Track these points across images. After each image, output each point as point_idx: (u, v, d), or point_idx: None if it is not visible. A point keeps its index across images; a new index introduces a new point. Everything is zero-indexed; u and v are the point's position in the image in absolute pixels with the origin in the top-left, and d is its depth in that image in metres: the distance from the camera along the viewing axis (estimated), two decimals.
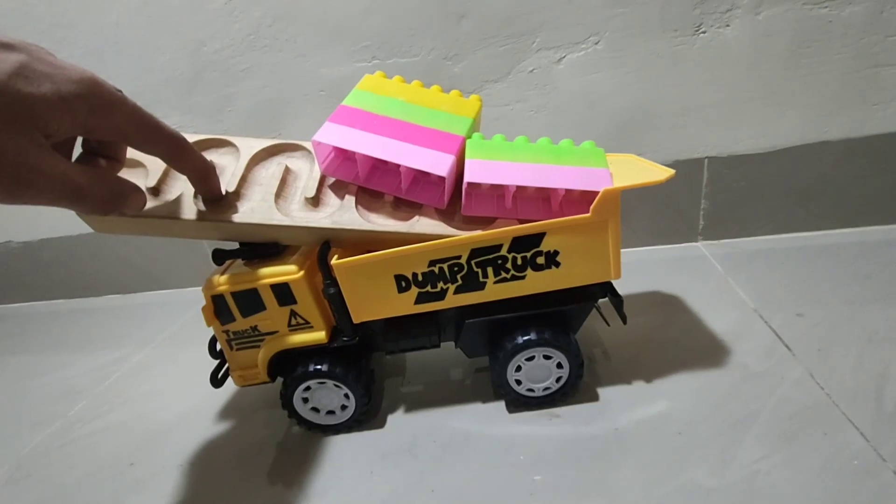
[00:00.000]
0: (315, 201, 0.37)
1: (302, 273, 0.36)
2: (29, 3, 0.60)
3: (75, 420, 0.50)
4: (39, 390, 0.57)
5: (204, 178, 0.34)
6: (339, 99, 0.62)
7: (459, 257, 0.34)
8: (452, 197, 0.37)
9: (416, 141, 0.36)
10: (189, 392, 0.51)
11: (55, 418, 0.51)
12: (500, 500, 0.34)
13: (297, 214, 0.36)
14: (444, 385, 0.46)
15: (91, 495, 0.40)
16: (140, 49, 0.61)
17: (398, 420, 0.42)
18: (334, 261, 0.35)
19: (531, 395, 0.40)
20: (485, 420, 0.41)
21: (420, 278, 0.35)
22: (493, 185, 0.35)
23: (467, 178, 0.34)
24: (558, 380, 0.40)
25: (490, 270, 0.35)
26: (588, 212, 0.33)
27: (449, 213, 0.37)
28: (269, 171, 0.38)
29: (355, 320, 0.37)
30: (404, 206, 0.38)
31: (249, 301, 0.37)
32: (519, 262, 0.35)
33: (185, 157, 0.32)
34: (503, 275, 0.35)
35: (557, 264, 0.35)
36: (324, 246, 0.36)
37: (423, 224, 0.36)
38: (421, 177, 0.37)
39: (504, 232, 0.34)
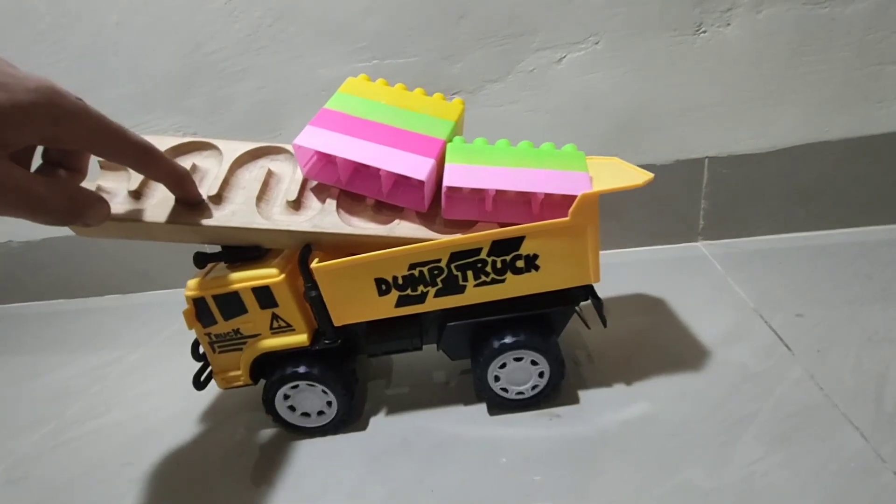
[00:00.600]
0: (296, 204, 0.37)
1: (283, 276, 0.36)
2: (29, 3, 0.60)
3: (71, 421, 0.50)
4: (36, 391, 0.56)
5: (178, 183, 0.34)
6: None
7: (439, 261, 0.35)
8: (434, 200, 0.37)
9: (396, 144, 0.36)
10: (185, 393, 0.50)
11: (51, 418, 0.50)
12: (499, 501, 0.34)
13: (278, 218, 0.36)
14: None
15: (87, 495, 0.40)
16: (139, 49, 0.61)
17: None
18: (314, 264, 0.35)
19: (512, 397, 0.40)
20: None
21: (400, 281, 0.35)
22: (473, 189, 0.36)
23: (446, 182, 0.34)
24: (538, 384, 0.40)
25: (470, 274, 0.35)
26: (567, 216, 0.33)
27: (430, 216, 0.37)
28: (252, 175, 0.38)
29: (336, 323, 0.37)
30: (386, 210, 0.38)
31: (231, 304, 0.37)
32: (499, 265, 0.35)
33: (153, 164, 0.32)
34: (483, 278, 0.35)
35: (537, 268, 0.35)
36: (304, 249, 0.36)
37: (403, 227, 0.36)
38: (402, 180, 0.37)
39: (483, 235, 0.34)
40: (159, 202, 0.36)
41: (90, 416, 0.50)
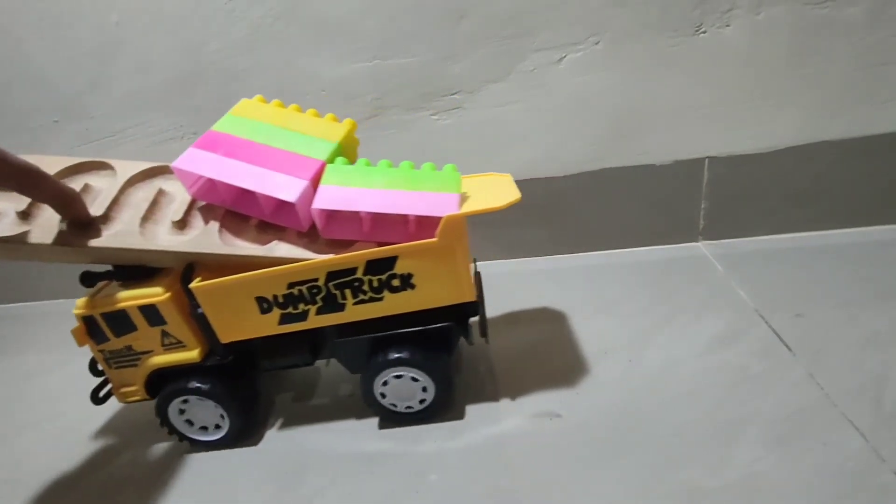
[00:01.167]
0: (182, 224, 0.38)
1: (168, 294, 0.37)
2: (29, 3, 0.60)
3: (73, 420, 0.50)
4: (35, 390, 0.57)
5: (64, 204, 0.34)
6: (340, 99, 0.62)
7: (317, 280, 0.36)
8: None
9: (273, 166, 0.37)
10: None
11: (53, 418, 0.50)
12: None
13: (162, 238, 0.37)
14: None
15: (87, 495, 0.40)
16: (140, 49, 0.61)
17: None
18: (194, 284, 0.36)
19: (402, 411, 0.41)
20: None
21: (281, 300, 0.36)
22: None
23: (314, 203, 0.35)
24: (424, 398, 0.40)
25: (348, 292, 0.36)
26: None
27: (313, 235, 0.38)
28: (143, 195, 0.39)
29: (223, 340, 0.38)
30: (270, 230, 0.39)
31: (120, 322, 0.38)
32: (375, 284, 0.36)
33: (36, 186, 0.32)
34: (361, 296, 0.36)
35: (413, 286, 0.36)
36: (186, 269, 0.37)
37: (281, 248, 0.37)
38: (283, 201, 0.38)
39: (357, 255, 0.35)
40: (47, 223, 0.36)
41: (90, 415, 0.50)
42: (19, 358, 0.65)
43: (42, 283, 0.79)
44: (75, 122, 0.66)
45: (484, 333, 0.41)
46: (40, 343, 0.68)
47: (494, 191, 0.38)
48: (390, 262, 0.35)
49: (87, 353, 0.40)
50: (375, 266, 0.35)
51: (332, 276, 0.35)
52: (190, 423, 0.42)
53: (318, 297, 0.36)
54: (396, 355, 0.38)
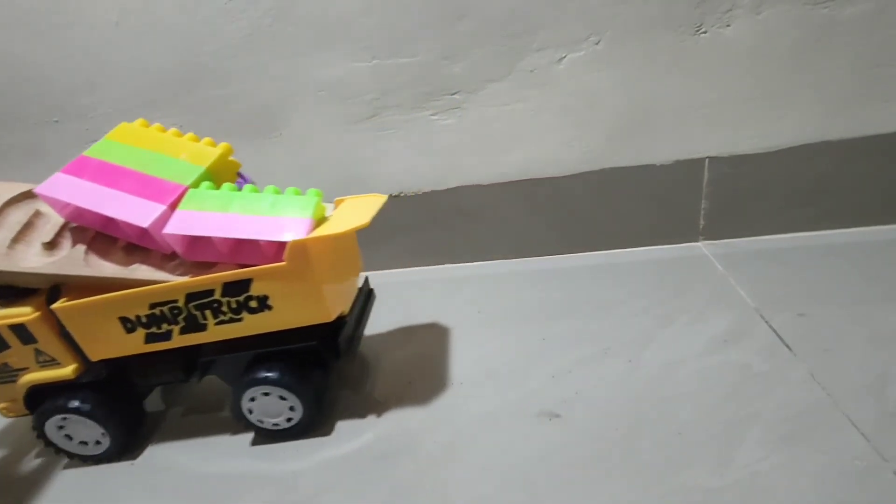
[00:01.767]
0: (51, 246, 0.38)
1: (38, 314, 0.37)
2: (29, 3, 0.59)
3: None
4: None
5: None
6: (340, 99, 0.62)
7: (177, 301, 0.37)
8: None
9: (135, 191, 0.38)
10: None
11: None
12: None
13: (29, 259, 0.38)
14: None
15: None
16: (139, 48, 0.61)
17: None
18: (56, 304, 0.37)
19: (269, 427, 0.41)
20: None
21: (144, 320, 0.38)
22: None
23: (165, 228, 0.36)
24: (292, 417, 0.41)
25: (209, 313, 0.38)
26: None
27: (180, 257, 0.39)
28: (19, 216, 0.40)
29: (93, 358, 0.39)
30: (137, 251, 0.40)
31: None
32: (234, 305, 0.37)
33: None
34: (222, 317, 0.38)
35: (270, 307, 0.37)
36: (52, 289, 0.38)
37: (142, 270, 0.38)
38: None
39: (214, 278, 0.36)
40: None
41: None
42: None
43: None
44: (75, 122, 0.66)
45: (347, 353, 0.41)
46: None
47: (360, 212, 0.39)
48: (246, 284, 0.36)
49: None
50: (232, 288, 0.37)
51: (191, 297, 0.37)
52: (69, 437, 0.42)
53: (179, 318, 0.38)
54: (263, 374, 0.39)
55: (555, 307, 0.55)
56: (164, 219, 0.37)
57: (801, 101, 0.56)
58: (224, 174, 0.42)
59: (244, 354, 0.40)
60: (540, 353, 0.48)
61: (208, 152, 0.41)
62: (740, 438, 0.35)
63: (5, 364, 0.39)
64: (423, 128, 0.62)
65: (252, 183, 0.44)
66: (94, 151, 0.40)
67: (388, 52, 0.58)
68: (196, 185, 0.39)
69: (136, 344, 0.39)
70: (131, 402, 0.44)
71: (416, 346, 0.52)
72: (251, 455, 0.41)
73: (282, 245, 0.36)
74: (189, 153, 0.41)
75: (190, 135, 0.43)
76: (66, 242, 0.39)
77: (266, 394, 0.40)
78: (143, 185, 0.38)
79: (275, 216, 0.37)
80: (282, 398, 0.40)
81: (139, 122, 0.43)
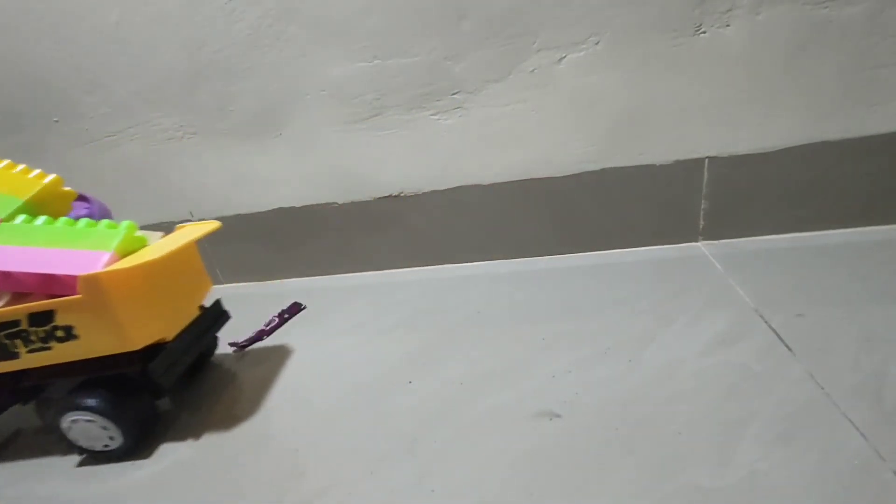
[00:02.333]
0: None
1: None
2: (30, 3, 0.60)
3: None
4: None
5: None
6: (340, 99, 0.62)
7: None
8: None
9: None
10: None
11: None
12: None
13: None
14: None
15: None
16: (140, 48, 0.61)
17: None
18: None
19: (99, 449, 0.42)
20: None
21: None
22: None
23: None
24: (107, 444, 0.42)
25: (19, 342, 0.39)
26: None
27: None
28: None
29: None
30: None
31: None
32: (42, 334, 0.39)
33: None
34: (32, 346, 0.39)
35: (76, 336, 0.39)
36: None
37: None
38: None
39: (19, 309, 0.37)
40: None
41: None
42: None
43: None
44: (75, 122, 0.66)
45: (165, 378, 0.42)
46: None
47: (180, 241, 0.41)
48: (50, 315, 0.38)
49: None
50: (37, 318, 0.38)
51: None
52: None
53: None
54: (78, 400, 0.40)
55: (554, 307, 0.55)
56: None
57: (799, 102, 0.56)
58: (54, 205, 0.43)
59: (63, 381, 0.41)
60: (540, 353, 0.48)
61: (30, 184, 0.42)
62: (739, 437, 0.35)
63: None
64: (424, 128, 0.62)
65: (100, 203, 0.47)
66: None
67: (388, 52, 0.58)
68: (10, 218, 0.40)
69: None
70: None
71: (416, 345, 0.52)
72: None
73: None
74: (9, 186, 0.41)
75: (8, 163, 0.43)
76: None
77: (89, 420, 0.41)
78: None
79: (74, 249, 0.38)
80: (91, 421, 0.41)
81: None
